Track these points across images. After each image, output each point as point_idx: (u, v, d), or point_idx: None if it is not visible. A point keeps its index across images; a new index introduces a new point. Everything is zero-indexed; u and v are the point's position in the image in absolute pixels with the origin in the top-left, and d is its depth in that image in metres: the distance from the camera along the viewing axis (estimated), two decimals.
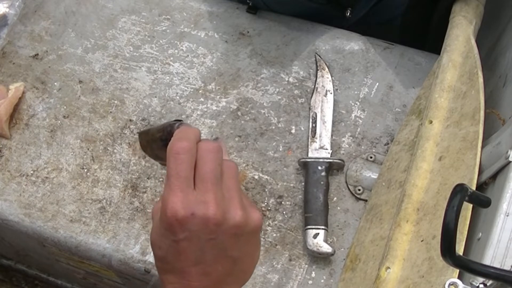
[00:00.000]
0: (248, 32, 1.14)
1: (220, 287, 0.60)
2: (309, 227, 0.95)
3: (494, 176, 0.80)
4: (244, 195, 0.61)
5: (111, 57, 1.13)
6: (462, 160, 0.83)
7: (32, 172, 1.05)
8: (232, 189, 0.59)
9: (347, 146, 1.03)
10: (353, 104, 1.06)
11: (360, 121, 1.05)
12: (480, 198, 0.66)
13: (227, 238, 0.58)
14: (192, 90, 1.10)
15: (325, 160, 0.99)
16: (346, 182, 1.00)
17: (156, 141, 0.66)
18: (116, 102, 1.10)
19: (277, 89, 1.08)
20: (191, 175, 0.58)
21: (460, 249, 0.74)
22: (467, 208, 0.76)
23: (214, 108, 1.08)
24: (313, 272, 0.95)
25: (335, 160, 1.00)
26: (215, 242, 0.58)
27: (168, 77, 1.11)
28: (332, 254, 0.94)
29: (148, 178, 1.03)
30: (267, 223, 0.99)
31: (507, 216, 0.72)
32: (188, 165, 0.58)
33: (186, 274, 0.59)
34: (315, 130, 1.03)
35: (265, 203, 1.00)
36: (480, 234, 0.75)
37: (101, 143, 1.06)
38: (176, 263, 0.58)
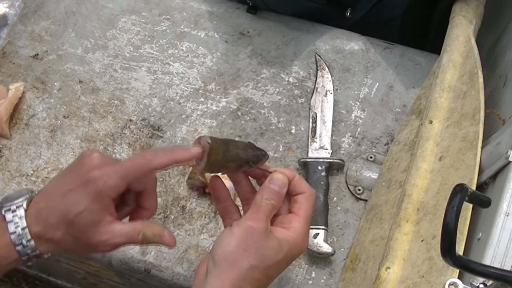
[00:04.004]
0: (248, 32, 1.14)
1: None
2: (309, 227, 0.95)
3: (494, 176, 0.80)
4: None
5: (111, 57, 1.13)
6: (462, 160, 0.83)
7: (32, 172, 1.05)
8: None
9: (347, 146, 1.03)
10: (353, 104, 1.06)
11: (360, 121, 1.05)
12: (480, 198, 0.66)
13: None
14: (192, 90, 1.10)
15: (325, 160, 0.99)
16: (346, 182, 1.00)
17: (236, 160, 0.74)
18: (116, 102, 1.10)
19: (277, 89, 1.08)
20: None
21: (460, 249, 0.74)
22: (467, 208, 0.76)
23: (214, 108, 1.08)
24: (313, 272, 0.95)
25: (335, 160, 1.00)
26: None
27: (168, 77, 1.11)
28: (332, 254, 0.94)
29: None
30: None
31: (507, 216, 0.72)
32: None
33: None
34: (315, 130, 1.03)
35: None
36: (480, 234, 0.75)
37: (101, 143, 1.06)
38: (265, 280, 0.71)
